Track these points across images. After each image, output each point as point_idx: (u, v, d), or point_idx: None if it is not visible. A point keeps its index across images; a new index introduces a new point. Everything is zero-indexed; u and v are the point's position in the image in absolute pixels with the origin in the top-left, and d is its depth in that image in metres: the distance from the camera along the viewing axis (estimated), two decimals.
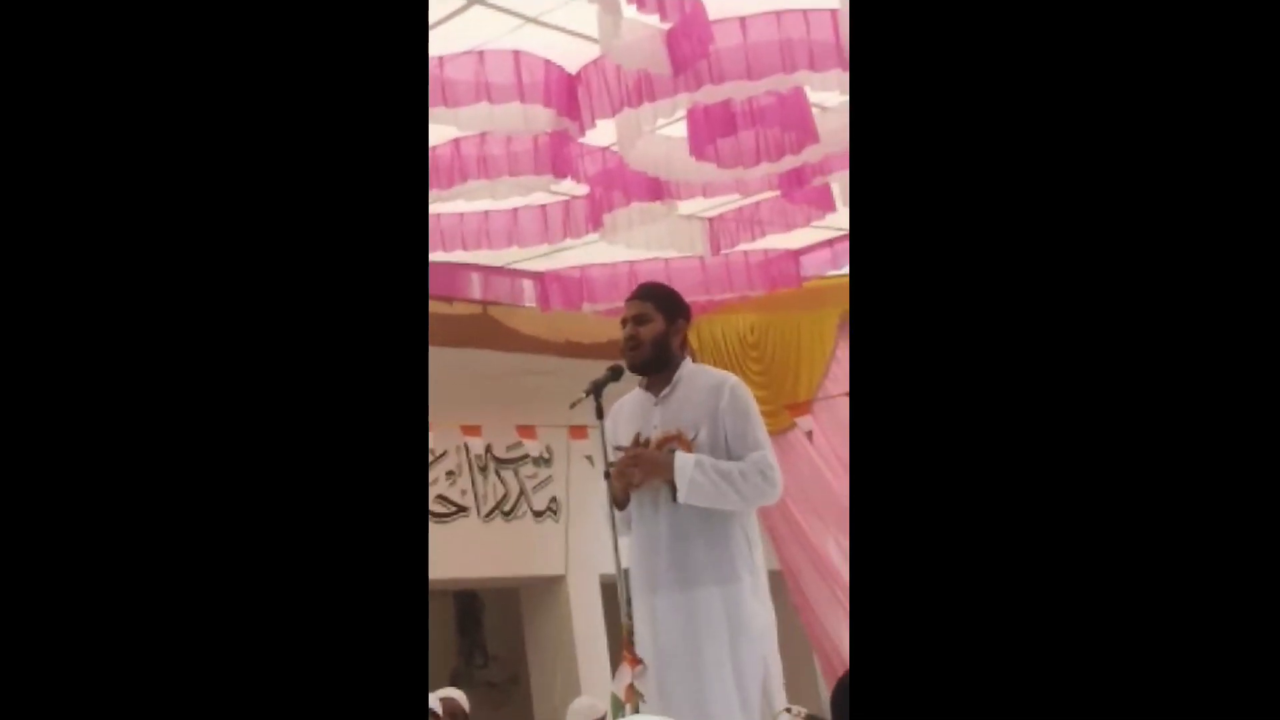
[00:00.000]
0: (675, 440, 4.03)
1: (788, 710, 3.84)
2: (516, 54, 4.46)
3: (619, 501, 4.12)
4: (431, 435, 6.99)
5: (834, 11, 4.29)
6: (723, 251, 6.38)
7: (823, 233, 6.64)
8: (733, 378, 4.17)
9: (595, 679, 7.90)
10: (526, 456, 8.17)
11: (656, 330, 4.11)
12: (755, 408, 4.10)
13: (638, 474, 4.02)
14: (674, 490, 3.96)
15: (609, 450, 4.14)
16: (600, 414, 4.12)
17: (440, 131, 4.62)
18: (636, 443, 4.07)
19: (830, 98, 4.92)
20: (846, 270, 6.95)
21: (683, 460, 3.94)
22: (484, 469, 8.02)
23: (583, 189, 5.56)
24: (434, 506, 7.68)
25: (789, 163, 5.11)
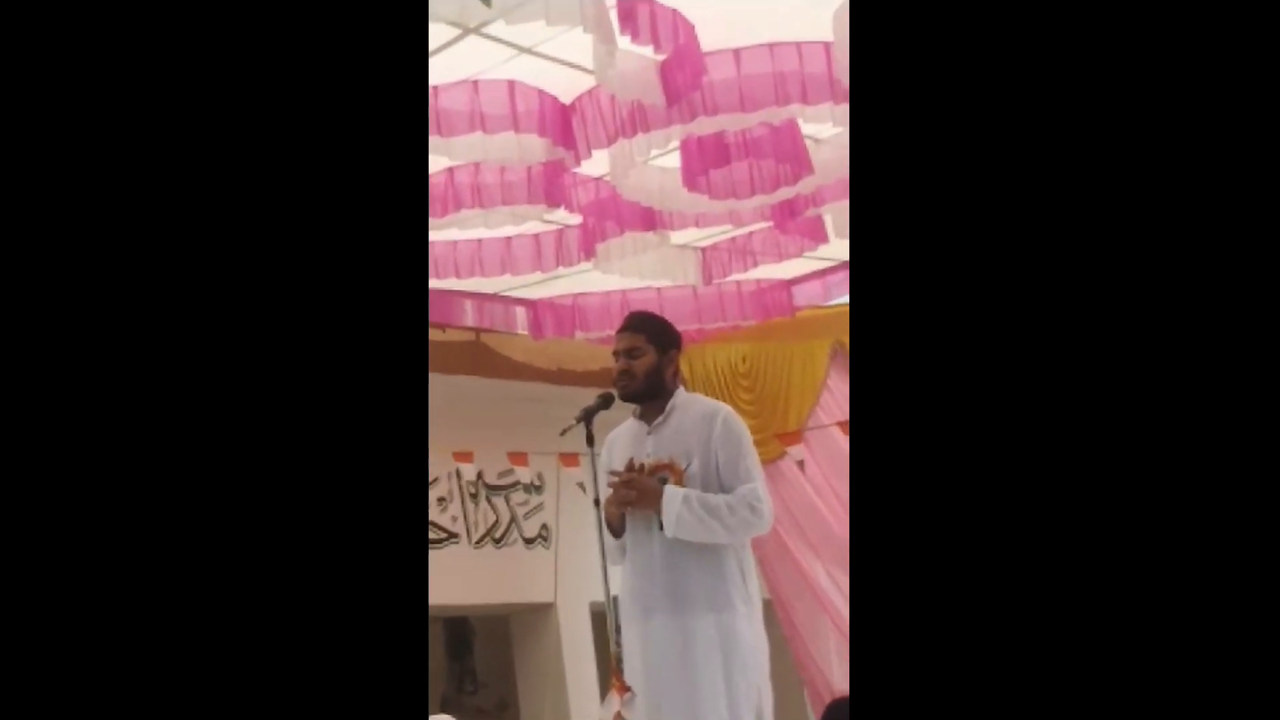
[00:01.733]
0: (667, 469, 4.04)
1: None
2: (511, 84, 4.49)
3: (614, 530, 4.13)
4: None
5: (827, 44, 4.32)
6: (715, 281, 6.40)
7: (815, 263, 6.67)
8: (725, 407, 4.18)
9: (584, 706, 7.90)
10: (518, 483, 8.17)
11: (649, 363, 4.12)
12: (748, 438, 4.11)
13: (633, 495, 4.03)
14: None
15: (602, 477, 4.15)
16: (591, 441, 4.14)
17: (434, 161, 4.65)
18: (630, 467, 4.08)
19: (823, 130, 4.96)
20: (838, 301, 6.98)
21: (670, 495, 3.95)
22: (475, 495, 8.01)
23: (576, 218, 5.58)
24: None
25: (782, 194, 5.14)
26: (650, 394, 4.13)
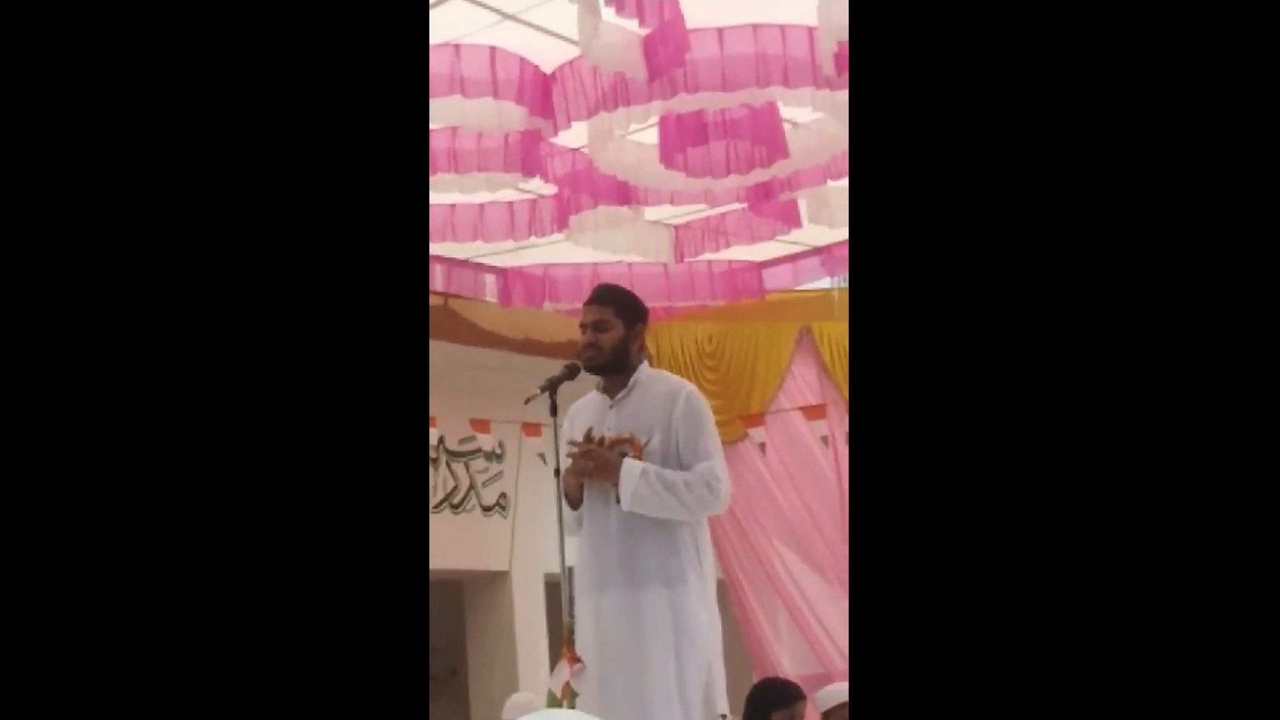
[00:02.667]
0: (627, 443, 4.05)
1: (723, 717, 3.86)
2: (493, 50, 4.48)
3: (572, 501, 4.14)
4: None
5: (811, 29, 4.33)
6: (686, 260, 6.41)
7: (787, 247, 6.69)
8: (689, 386, 4.20)
9: (534, 676, 7.92)
10: (479, 450, 8.16)
11: (616, 337, 4.13)
12: (709, 417, 4.13)
13: (590, 466, 4.04)
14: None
15: (564, 448, 4.16)
16: (554, 411, 4.14)
17: None
18: (589, 439, 4.09)
19: (802, 114, 4.96)
20: (808, 285, 7.00)
21: (629, 469, 3.96)
22: (435, 460, 8.01)
23: (551, 189, 5.58)
24: None
25: (757, 176, 5.15)
26: (615, 367, 4.14)
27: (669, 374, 4.51)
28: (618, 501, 4.00)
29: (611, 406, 4.16)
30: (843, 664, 6.69)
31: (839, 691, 5.81)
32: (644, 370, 4.20)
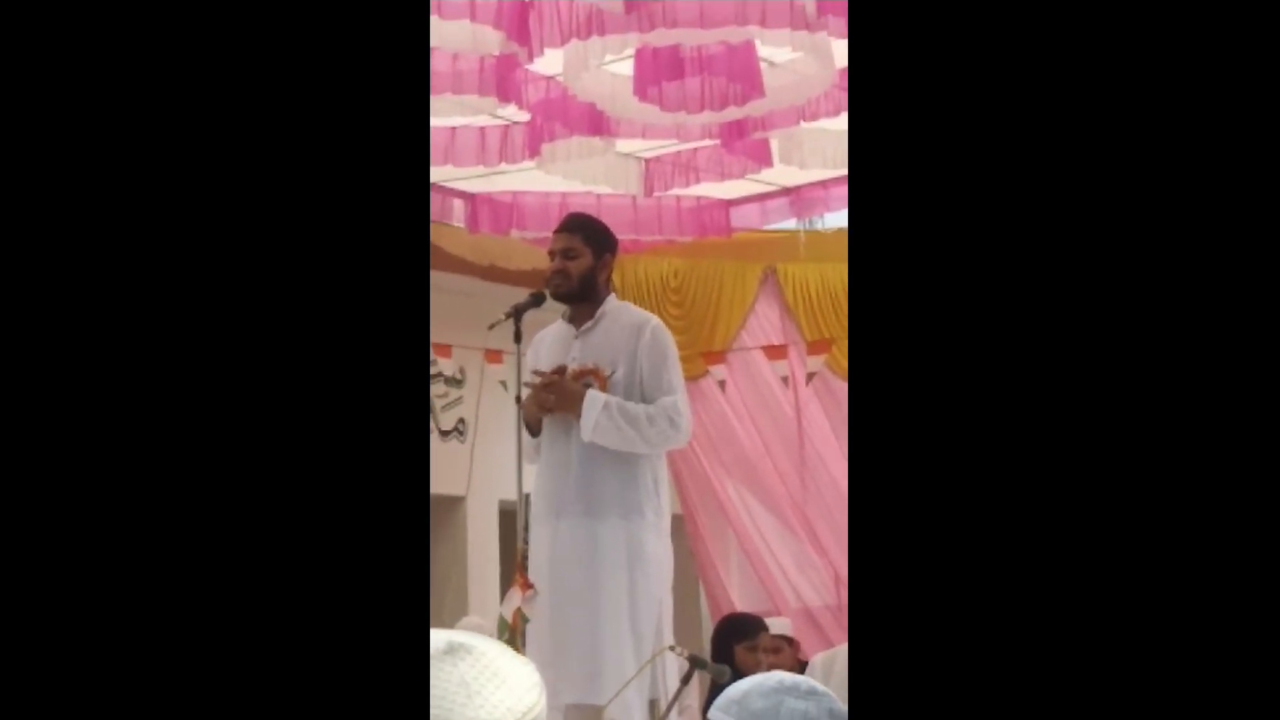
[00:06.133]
0: (591, 374, 4.07)
1: (672, 648, 3.91)
2: None
3: (532, 428, 4.16)
4: None
5: None
6: (656, 194, 6.40)
7: (756, 186, 6.68)
8: (655, 319, 4.22)
9: (485, 601, 7.96)
10: (439, 375, 8.14)
11: (584, 265, 4.13)
12: (674, 352, 4.15)
13: (551, 399, 4.05)
14: None
15: (526, 376, 4.17)
16: (518, 338, 4.15)
17: None
18: (560, 373, 4.10)
19: (780, 53, 4.95)
20: (776, 225, 7.00)
21: (591, 400, 3.98)
22: None
23: (524, 116, 5.55)
24: None
25: (731, 114, 5.14)
26: (582, 296, 4.15)
27: (635, 307, 4.52)
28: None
29: (577, 337, 4.17)
30: (794, 602, 6.77)
31: (782, 625, 6.08)
32: (611, 302, 4.22)
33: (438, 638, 1.50)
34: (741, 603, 6.80)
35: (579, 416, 3.99)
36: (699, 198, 6.77)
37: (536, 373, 4.14)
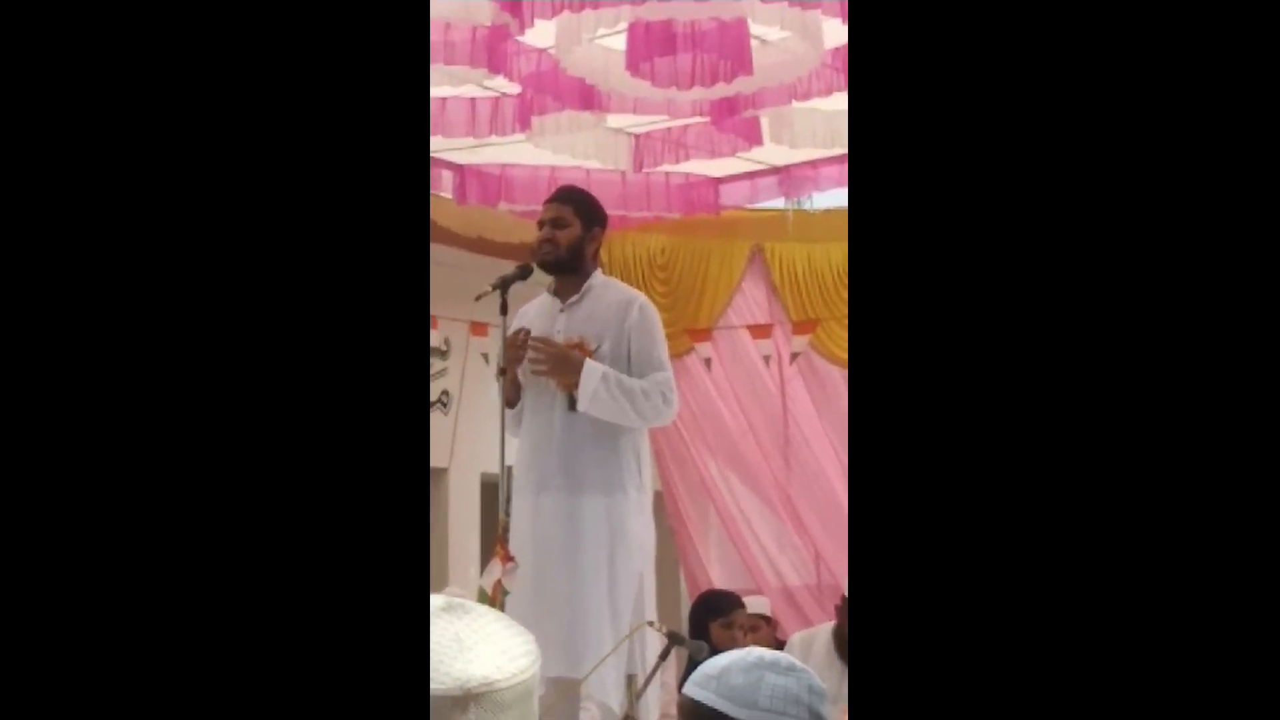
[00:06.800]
0: (577, 347, 4.06)
1: (650, 624, 3.92)
2: None
3: (509, 398, 4.14)
4: None
5: None
6: (645, 170, 6.39)
7: (746, 164, 6.67)
8: (642, 296, 4.21)
9: (464, 573, 7.96)
10: None
11: (573, 235, 4.12)
12: (661, 329, 4.15)
13: (545, 365, 4.03)
14: (573, 399, 4.00)
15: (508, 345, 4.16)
16: (504, 310, 4.14)
17: None
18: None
19: (771, 32, 4.93)
20: (763, 204, 6.99)
21: (590, 370, 3.96)
22: None
23: (515, 88, 5.53)
24: None
25: (721, 91, 5.12)
26: (570, 267, 4.14)
27: (622, 283, 4.51)
28: (570, 407, 4.00)
29: (563, 310, 4.16)
30: (774, 581, 6.79)
31: (760, 604, 6.12)
32: (598, 277, 4.21)
33: (438, 598, 1.53)
34: (721, 581, 6.82)
35: (574, 385, 3.97)
36: (688, 175, 6.76)
37: (529, 334, 4.10)
